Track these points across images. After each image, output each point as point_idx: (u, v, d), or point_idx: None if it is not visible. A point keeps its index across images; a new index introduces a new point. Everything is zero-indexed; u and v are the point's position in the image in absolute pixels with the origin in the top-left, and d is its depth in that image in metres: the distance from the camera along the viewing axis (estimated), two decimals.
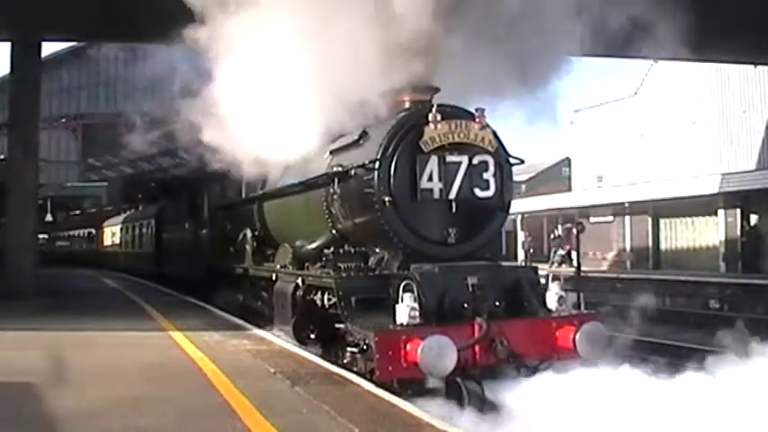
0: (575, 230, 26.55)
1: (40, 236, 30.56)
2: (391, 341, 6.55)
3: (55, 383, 6.78)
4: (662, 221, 30.50)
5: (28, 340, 9.49)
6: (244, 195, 12.40)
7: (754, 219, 26.62)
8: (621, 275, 26.50)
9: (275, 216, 11.20)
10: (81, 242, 41.42)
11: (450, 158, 7.67)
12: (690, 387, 6.67)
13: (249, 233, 12.00)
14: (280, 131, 8.35)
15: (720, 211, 27.33)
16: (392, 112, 8.29)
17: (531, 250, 33.40)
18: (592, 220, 32.16)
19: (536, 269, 8.28)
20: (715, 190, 26.37)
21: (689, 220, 29.32)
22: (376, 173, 7.69)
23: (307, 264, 9.11)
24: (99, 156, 41.76)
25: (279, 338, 9.27)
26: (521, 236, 35.73)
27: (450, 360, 6.37)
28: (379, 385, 6.55)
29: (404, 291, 6.76)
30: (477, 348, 6.82)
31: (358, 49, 7.36)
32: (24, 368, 7.37)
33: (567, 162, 43.76)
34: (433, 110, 7.62)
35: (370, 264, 8.07)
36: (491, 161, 7.86)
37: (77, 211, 49.92)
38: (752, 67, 26.55)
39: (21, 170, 17.23)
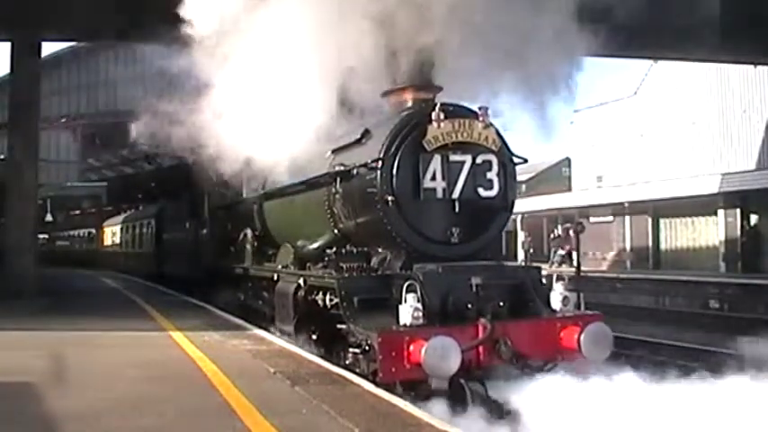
0: (571, 232, 26.64)
1: (40, 236, 30.50)
2: (395, 342, 6.50)
3: (54, 383, 6.75)
4: (662, 221, 30.49)
5: (28, 340, 9.45)
6: (244, 195, 12.37)
7: (753, 218, 26.62)
8: (621, 275, 26.51)
9: (276, 216, 11.16)
10: (81, 242, 41.37)
11: (453, 157, 7.63)
12: (690, 387, 6.64)
13: (250, 233, 11.97)
14: (281, 130, 8.30)
15: (720, 211, 27.32)
16: (395, 110, 8.25)
17: (531, 250, 33.41)
18: (592, 219, 32.14)
19: (539, 269, 8.24)
20: (715, 190, 26.36)
21: (689, 219, 29.31)
22: (378, 172, 7.65)
23: (308, 264, 9.07)
24: (98, 156, 41.77)
25: (279, 338, 9.23)
26: (521, 236, 35.70)
27: (454, 361, 6.33)
28: (379, 385, 6.51)
29: (407, 291, 6.72)
30: (480, 349, 6.77)
31: (361, 47, 7.32)
32: (24, 368, 7.33)
33: (566, 162, 43.71)
34: (437, 108, 7.58)
35: (372, 264, 8.04)
36: (495, 160, 7.83)
37: (77, 211, 49.93)
38: (752, 67, 26.53)
39: (20, 170, 17.19)
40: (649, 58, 27.45)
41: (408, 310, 6.63)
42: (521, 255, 33.57)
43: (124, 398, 6.06)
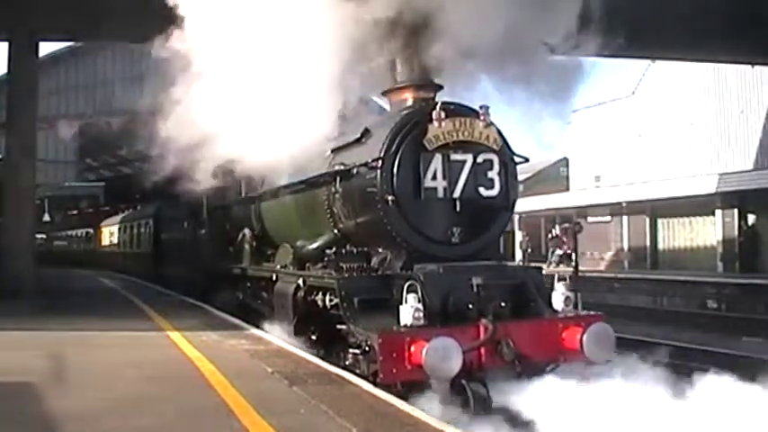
0: (568, 232, 26.65)
1: (38, 236, 30.41)
2: (395, 343, 6.47)
3: (54, 383, 6.74)
4: (659, 221, 30.50)
5: (27, 340, 9.42)
6: (243, 195, 12.33)
7: (751, 219, 26.64)
8: (619, 275, 26.52)
9: (275, 216, 11.12)
10: (79, 242, 41.28)
11: (454, 157, 7.60)
12: (690, 388, 6.62)
13: (248, 233, 11.93)
14: (280, 129, 8.26)
15: (718, 211, 27.34)
16: (395, 109, 8.22)
17: (530, 250, 33.37)
18: (589, 219, 32.16)
19: (540, 269, 8.19)
20: (712, 190, 26.37)
21: (686, 219, 29.33)
22: (379, 171, 7.62)
23: (308, 264, 9.03)
24: (96, 156, 41.68)
25: (277, 338, 9.20)
26: (518, 236, 35.68)
27: (455, 362, 6.30)
28: (377, 385, 6.48)
29: (407, 291, 6.69)
30: (482, 350, 6.74)
31: (361, 46, 7.29)
32: (23, 368, 7.31)
33: (564, 162, 43.67)
34: (437, 107, 7.55)
35: (372, 264, 8.00)
36: (496, 159, 7.80)
37: (75, 211, 49.82)
38: (749, 67, 26.55)
39: (18, 170, 17.14)
40: (648, 58, 27.48)
41: (409, 310, 6.59)
42: (519, 255, 33.54)
43: (123, 398, 6.06)
